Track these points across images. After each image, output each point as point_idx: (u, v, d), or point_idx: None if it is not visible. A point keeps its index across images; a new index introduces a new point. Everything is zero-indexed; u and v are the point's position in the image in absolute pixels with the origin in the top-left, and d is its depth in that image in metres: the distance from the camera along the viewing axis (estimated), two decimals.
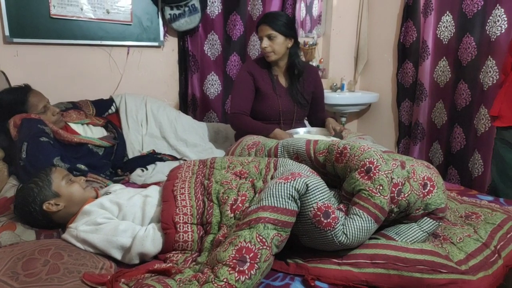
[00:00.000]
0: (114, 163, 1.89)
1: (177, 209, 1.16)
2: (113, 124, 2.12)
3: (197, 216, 1.16)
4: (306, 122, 2.24)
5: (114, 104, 2.26)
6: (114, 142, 1.97)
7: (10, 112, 1.68)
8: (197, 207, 1.17)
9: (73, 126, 1.93)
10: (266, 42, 1.94)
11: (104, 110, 2.22)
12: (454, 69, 2.51)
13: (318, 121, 2.18)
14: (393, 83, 3.06)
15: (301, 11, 3.15)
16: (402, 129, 2.99)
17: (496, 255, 1.13)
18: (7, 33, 2.17)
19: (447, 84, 2.57)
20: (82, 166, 1.67)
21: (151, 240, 1.12)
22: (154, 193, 1.30)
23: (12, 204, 1.30)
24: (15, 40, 2.20)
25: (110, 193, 1.34)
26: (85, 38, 2.37)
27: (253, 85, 2.01)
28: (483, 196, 1.58)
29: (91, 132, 1.98)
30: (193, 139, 2.19)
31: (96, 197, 1.32)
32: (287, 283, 1.02)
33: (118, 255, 1.12)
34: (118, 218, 1.21)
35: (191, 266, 1.05)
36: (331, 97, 3.05)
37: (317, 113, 2.20)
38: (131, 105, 2.24)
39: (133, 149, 2.07)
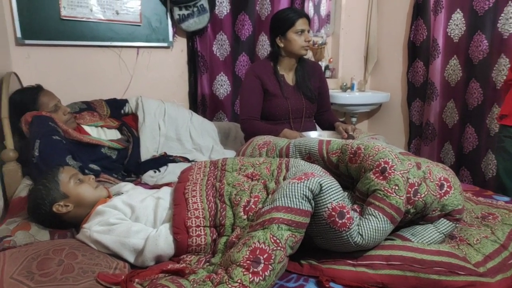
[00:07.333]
0: (127, 168, 1.86)
1: (189, 213, 1.14)
2: (128, 127, 2.07)
3: (210, 219, 1.14)
4: (317, 126, 2.23)
5: (128, 104, 2.24)
6: (126, 145, 1.94)
7: (22, 112, 1.69)
8: (209, 209, 1.15)
9: (87, 128, 1.92)
10: (309, 36, 1.98)
11: (118, 110, 2.19)
12: (465, 68, 2.49)
13: (326, 124, 2.17)
14: (403, 82, 3.03)
15: (309, 10, 3.14)
16: (413, 129, 2.96)
17: None
18: (19, 35, 2.19)
19: (458, 83, 2.54)
20: (95, 166, 1.67)
21: (164, 238, 1.10)
22: (166, 195, 1.28)
23: (26, 204, 1.30)
24: (27, 42, 2.22)
25: (122, 193, 1.32)
26: (94, 39, 2.38)
27: (261, 88, 2.00)
28: (499, 196, 1.55)
29: (104, 135, 1.96)
30: (207, 142, 2.17)
31: (108, 196, 1.31)
32: (301, 284, 1.01)
33: (130, 258, 1.10)
34: (131, 220, 1.19)
35: (204, 267, 1.04)
36: (341, 97, 3.03)
37: (324, 112, 2.19)
38: (149, 109, 2.17)
39: (148, 153, 2.02)
